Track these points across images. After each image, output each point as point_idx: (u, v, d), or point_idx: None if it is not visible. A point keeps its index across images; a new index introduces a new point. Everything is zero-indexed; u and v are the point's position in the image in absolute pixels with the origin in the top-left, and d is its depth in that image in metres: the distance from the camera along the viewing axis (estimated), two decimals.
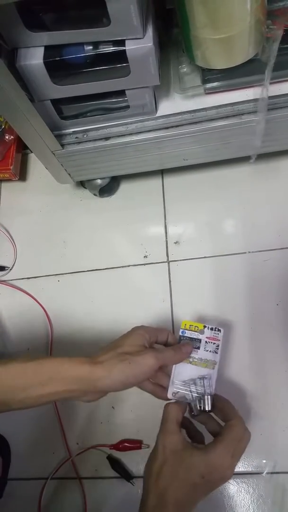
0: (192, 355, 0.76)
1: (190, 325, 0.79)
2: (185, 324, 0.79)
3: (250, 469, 0.83)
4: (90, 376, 0.63)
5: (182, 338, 0.78)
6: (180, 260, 1.00)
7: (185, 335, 0.78)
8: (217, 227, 1.01)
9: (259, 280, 0.94)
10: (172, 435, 0.65)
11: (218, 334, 0.78)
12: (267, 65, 0.72)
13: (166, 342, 0.75)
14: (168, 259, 1.00)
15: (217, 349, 0.77)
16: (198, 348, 0.77)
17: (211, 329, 0.79)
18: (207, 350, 0.77)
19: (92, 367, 0.64)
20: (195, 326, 0.79)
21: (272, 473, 0.82)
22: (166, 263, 1.00)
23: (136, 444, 0.87)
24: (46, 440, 0.91)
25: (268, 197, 1.00)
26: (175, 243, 1.01)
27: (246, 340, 0.90)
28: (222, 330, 0.78)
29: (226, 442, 0.62)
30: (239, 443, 0.64)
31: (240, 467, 0.83)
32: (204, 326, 0.79)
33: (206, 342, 0.78)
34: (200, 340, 0.78)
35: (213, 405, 0.71)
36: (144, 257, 1.02)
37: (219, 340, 0.78)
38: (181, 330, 0.79)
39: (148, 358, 0.65)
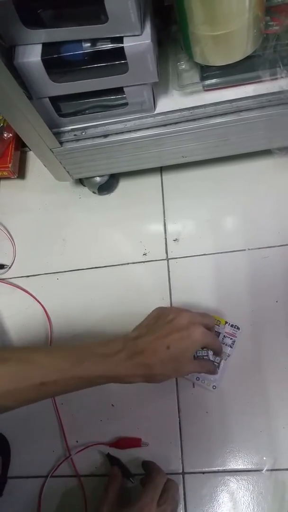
0: None
1: None
2: None
3: (249, 467, 0.83)
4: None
5: None
6: (180, 257, 1.00)
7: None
8: (216, 224, 1.00)
9: (259, 277, 0.94)
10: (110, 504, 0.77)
11: (237, 331, 0.90)
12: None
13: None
14: (167, 256, 1.00)
15: (233, 344, 0.89)
16: None
17: (231, 325, 0.90)
18: (223, 343, 0.89)
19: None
20: (217, 320, 0.91)
21: (272, 470, 0.82)
22: (166, 261, 1.00)
23: (135, 442, 0.87)
24: (46, 438, 0.91)
25: (267, 194, 1.00)
26: (174, 240, 1.01)
27: (246, 336, 0.90)
28: (240, 328, 0.90)
29: (147, 493, 0.74)
30: (159, 490, 0.76)
31: (240, 465, 0.83)
32: (226, 322, 0.90)
33: (224, 336, 0.90)
34: (219, 334, 0.90)
35: None
36: (143, 254, 1.01)
37: (236, 337, 0.89)
38: None
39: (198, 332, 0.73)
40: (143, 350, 0.70)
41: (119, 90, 0.77)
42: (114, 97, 0.80)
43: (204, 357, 0.80)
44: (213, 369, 0.81)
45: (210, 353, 0.80)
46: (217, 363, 0.86)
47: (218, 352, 0.82)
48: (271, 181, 1.01)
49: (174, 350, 0.70)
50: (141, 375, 0.69)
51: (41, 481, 0.89)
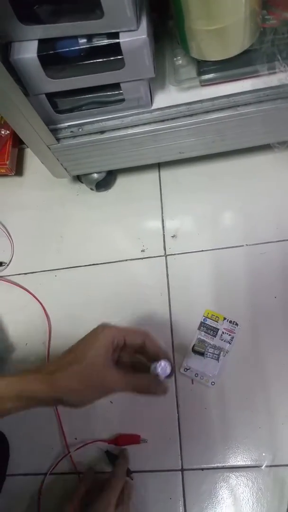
0: (207, 340, 0.89)
1: (212, 315, 0.91)
2: (208, 313, 0.92)
3: (249, 463, 0.83)
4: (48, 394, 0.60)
5: (202, 324, 0.90)
6: (178, 253, 0.99)
7: (206, 322, 0.91)
8: (214, 220, 1.00)
9: (257, 273, 0.94)
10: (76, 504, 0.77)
11: (235, 327, 0.90)
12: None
13: (143, 348, 0.66)
14: (165, 252, 1.00)
15: (232, 340, 0.89)
16: (215, 336, 0.89)
17: (230, 321, 0.91)
18: (222, 340, 0.89)
19: (49, 386, 0.60)
20: (216, 316, 0.91)
21: (271, 466, 0.82)
22: (164, 257, 1.00)
23: (134, 438, 0.87)
24: (44, 435, 0.91)
25: (265, 189, 1.00)
26: (172, 236, 1.01)
27: (245, 332, 0.90)
28: (239, 324, 0.90)
29: (104, 495, 0.75)
30: (117, 493, 0.76)
31: (239, 461, 0.83)
32: (224, 318, 0.91)
33: (223, 332, 0.90)
34: (218, 330, 0.90)
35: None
36: (142, 251, 1.01)
37: (234, 333, 0.89)
38: (203, 318, 0.91)
39: (107, 383, 0.61)
40: (55, 370, 0.61)
41: (115, 86, 0.76)
42: (111, 93, 0.79)
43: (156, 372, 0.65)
44: (153, 388, 0.65)
45: (163, 365, 0.64)
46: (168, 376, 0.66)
47: (155, 353, 0.66)
48: (270, 176, 1.01)
49: (79, 358, 0.61)
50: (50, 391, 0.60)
51: (39, 478, 0.88)
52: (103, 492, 0.75)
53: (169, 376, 0.65)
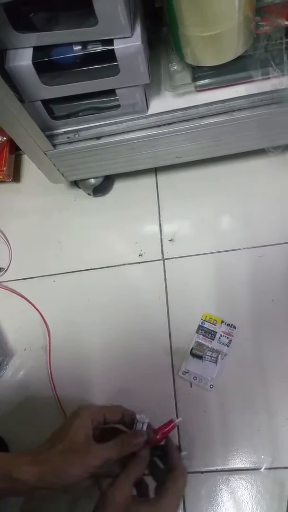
0: (205, 344, 0.89)
1: (209, 318, 0.92)
2: (206, 316, 0.92)
3: (248, 465, 0.83)
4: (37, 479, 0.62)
5: (200, 328, 0.91)
6: (175, 257, 1.00)
7: (204, 325, 0.91)
8: (211, 224, 1.01)
9: (254, 276, 0.94)
10: (123, 489, 0.65)
11: (233, 330, 0.90)
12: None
13: (121, 421, 0.72)
14: (163, 257, 1.00)
15: (230, 343, 0.89)
16: (213, 339, 0.90)
17: (228, 324, 0.91)
18: (220, 343, 0.90)
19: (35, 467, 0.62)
20: (214, 320, 0.92)
21: (270, 468, 0.82)
22: (161, 261, 1.00)
23: (170, 426, 0.76)
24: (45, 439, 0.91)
25: (261, 193, 1.01)
26: (170, 240, 1.01)
27: (243, 335, 0.90)
28: (237, 327, 0.90)
29: (171, 495, 0.66)
30: (181, 493, 0.72)
31: (238, 463, 0.83)
32: (222, 321, 0.91)
33: (221, 335, 0.90)
34: (216, 333, 0.90)
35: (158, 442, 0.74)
36: (139, 255, 1.02)
37: (232, 336, 0.90)
38: (201, 321, 0.92)
39: (90, 460, 0.63)
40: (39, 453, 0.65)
41: (111, 92, 0.77)
42: (107, 99, 0.80)
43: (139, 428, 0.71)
44: (134, 439, 0.68)
45: (138, 418, 0.72)
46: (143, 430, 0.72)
47: (132, 421, 0.72)
48: (266, 180, 1.02)
49: (62, 437, 0.65)
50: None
51: None
52: (167, 491, 0.67)
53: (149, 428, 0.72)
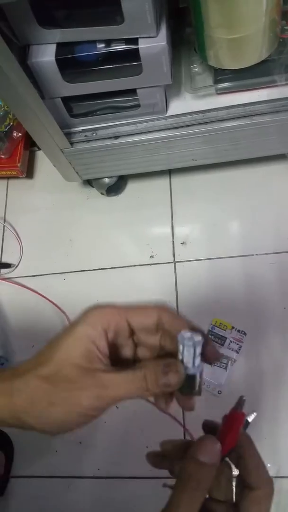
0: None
1: (220, 323, 0.91)
2: (216, 321, 0.91)
3: None
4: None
5: (210, 333, 0.89)
6: (187, 261, 0.99)
7: (214, 330, 0.90)
8: (224, 228, 1.00)
9: (266, 283, 0.93)
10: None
11: (243, 337, 0.89)
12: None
13: (160, 325, 0.42)
14: (174, 259, 1.00)
15: (239, 349, 0.88)
16: (223, 344, 0.89)
17: (238, 331, 0.90)
18: (229, 348, 0.89)
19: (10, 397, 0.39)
20: (224, 325, 0.91)
21: (276, 477, 0.81)
22: (173, 264, 1.00)
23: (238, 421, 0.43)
24: (49, 437, 0.91)
25: (277, 199, 1.00)
26: (181, 243, 1.01)
27: (252, 342, 0.89)
28: (247, 333, 0.89)
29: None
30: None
31: None
32: (232, 327, 0.90)
33: (230, 341, 0.89)
34: (225, 338, 0.89)
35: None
36: (150, 257, 1.01)
37: (242, 342, 0.89)
38: (210, 326, 0.90)
39: (83, 399, 0.38)
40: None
41: (131, 92, 0.77)
42: (127, 98, 0.80)
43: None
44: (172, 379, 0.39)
45: (189, 336, 0.39)
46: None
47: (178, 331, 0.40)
48: (282, 185, 1.01)
49: (47, 358, 0.40)
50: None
51: (43, 481, 0.88)
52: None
53: (205, 358, 0.41)
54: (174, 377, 0.39)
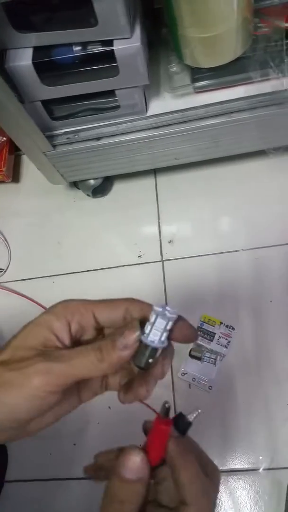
0: (204, 345, 0.89)
1: (208, 319, 0.91)
2: (204, 317, 0.92)
3: (246, 466, 0.83)
4: None
5: (199, 329, 0.89)
6: (174, 259, 1.00)
7: (203, 327, 0.90)
8: (210, 225, 1.01)
9: (253, 278, 0.94)
10: None
11: (232, 332, 0.90)
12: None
13: (129, 318, 0.42)
14: (162, 258, 1.01)
15: (228, 344, 0.89)
16: (212, 340, 0.89)
17: (226, 326, 0.91)
18: (219, 344, 0.89)
19: None
20: (212, 321, 0.91)
21: (268, 469, 0.82)
22: (160, 262, 1.00)
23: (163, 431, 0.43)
24: (44, 439, 0.91)
25: (260, 194, 1.01)
26: (169, 242, 1.02)
27: (241, 337, 0.90)
28: (235, 328, 0.90)
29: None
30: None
31: (236, 464, 0.83)
32: (221, 323, 0.91)
33: (219, 336, 0.90)
34: (214, 334, 0.90)
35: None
36: (138, 256, 1.02)
37: (231, 337, 0.90)
38: (199, 322, 0.91)
39: (32, 375, 0.35)
40: None
41: (111, 93, 0.77)
42: (106, 100, 0.80)
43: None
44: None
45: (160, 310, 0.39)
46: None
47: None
48: (265, 181, 1.02)
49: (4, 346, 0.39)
50: None
51: (38, 484, 0.88)
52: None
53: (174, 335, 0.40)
54: (131, 334, 0.37)
